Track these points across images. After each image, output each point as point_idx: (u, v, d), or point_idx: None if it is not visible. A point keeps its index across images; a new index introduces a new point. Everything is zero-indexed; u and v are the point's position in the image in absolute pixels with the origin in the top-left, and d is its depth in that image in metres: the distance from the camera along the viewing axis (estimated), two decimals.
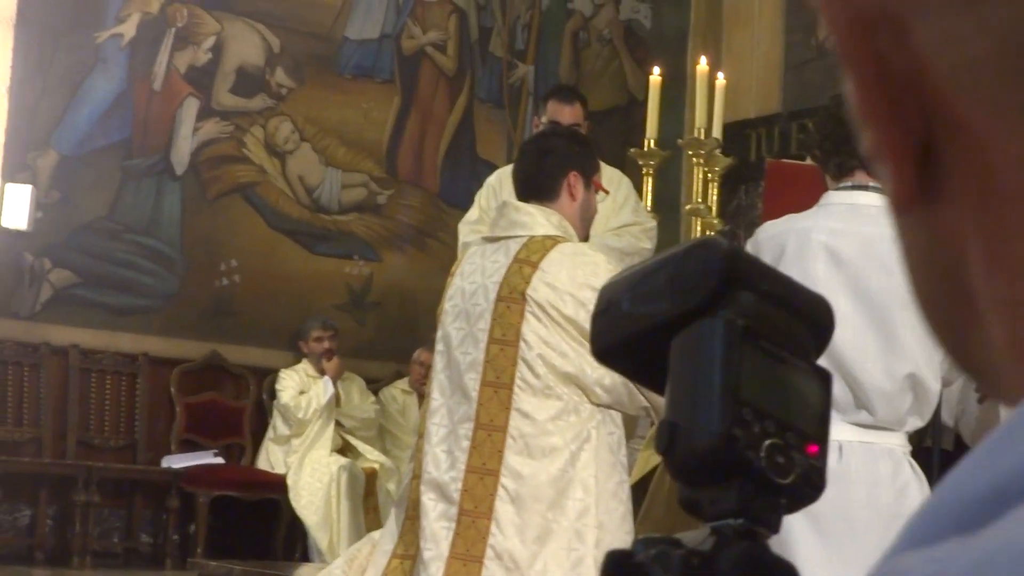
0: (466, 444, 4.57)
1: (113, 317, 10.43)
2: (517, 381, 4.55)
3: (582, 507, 4.53)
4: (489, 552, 4.47)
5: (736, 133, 10.53)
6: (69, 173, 10.29)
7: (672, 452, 0.80)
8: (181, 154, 10.70)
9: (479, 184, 11.59)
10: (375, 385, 11.09)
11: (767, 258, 4.05)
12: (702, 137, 7.52)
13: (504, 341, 4.58)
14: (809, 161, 4.74)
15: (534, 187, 4.84)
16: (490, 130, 11.92)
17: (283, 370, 10.57)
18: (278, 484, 10.18)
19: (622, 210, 6.75)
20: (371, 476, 10.24)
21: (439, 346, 4.81)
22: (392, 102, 11.56)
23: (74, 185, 10.30)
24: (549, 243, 4.66)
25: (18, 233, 9.97)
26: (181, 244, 10.68)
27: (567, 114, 6.86)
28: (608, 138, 11.05)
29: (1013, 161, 0.53)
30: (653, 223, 7.17)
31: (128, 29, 10.53)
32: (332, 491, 10.07)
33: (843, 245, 3.95)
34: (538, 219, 4.74)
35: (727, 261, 0.81)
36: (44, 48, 10.20)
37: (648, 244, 6.97)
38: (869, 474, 3.89)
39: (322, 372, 10.51)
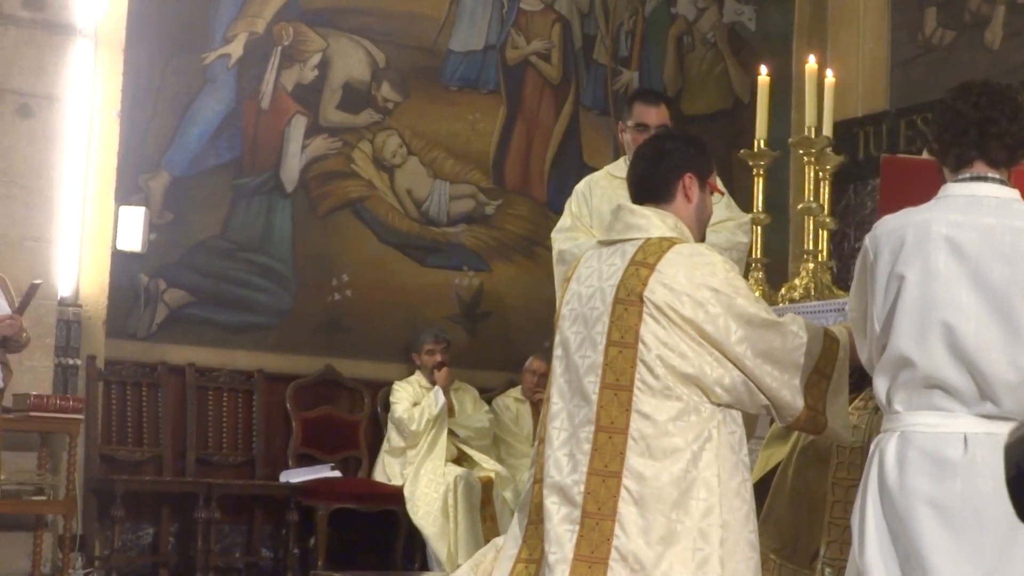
0: (587, 447, 4.57)
1: (228, 335, 10.53)
2: (636, 383, 4.54)
3: (706, 507, 4.51)
4: (614, 554, 4.46)
5: (843, 132, 10.44)
6: (181, 194, 10.41)
7: None
8: (290, 171, 10.80)
9: None
10: (488, 394, 11.12)
11: (886, 252, 4.03)
12: (812, 136, 7.47)
13: (623, 343, 4.58)
14: (925, 155, 4.72)
15: (649, 189, 4.84)
16: (596, 137, 11.92)
17: (396, 382, 10.63)
18: (395, 495, 10.23)
19: (715, 206, 6.74)
20: (487, 485, 10.26)
21: (557, 351, 4.82)
22: (498, 112, 11.61)
23: (186, 206, 10.42)
24: (666, 244, 4.65)
25: (133, 255, 10.10)
26: (293, 261, 10.77)
27: (654, 116, 6.78)
28: (714, 141, 10.99)
29: None
30: (747, 217, 7.13)
31: (235, 49, 10.65)
32: (449, 501, 10.10)
33: (963, 237, 3.92)
34: (654, 221, 4.73)
35: None
36: (153, 71, 10.33)
37: (744, 238, 6.93)
38: (995, 465, 3.85)
39: (435, 383, 10.55)
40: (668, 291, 4.56)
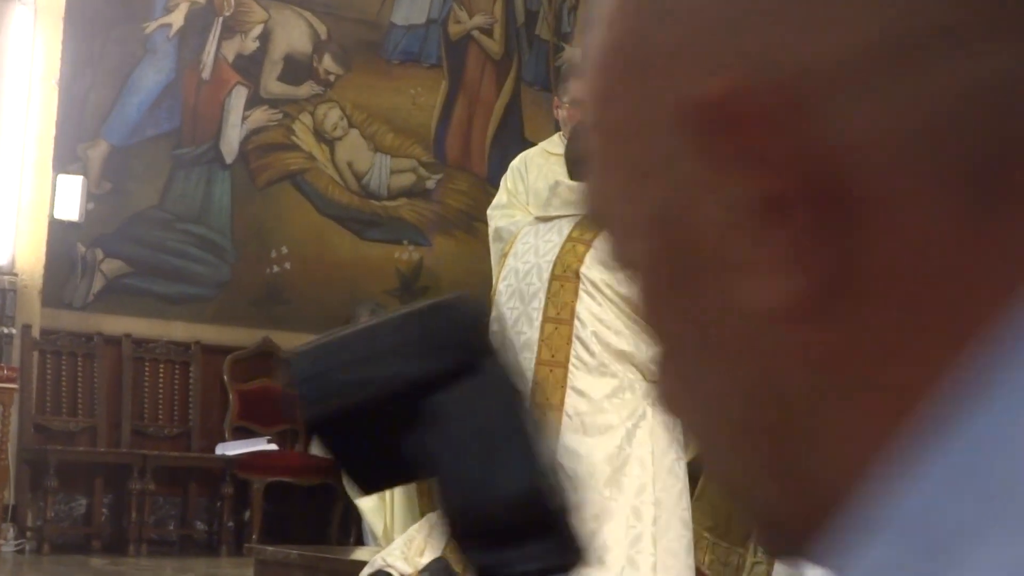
0: None
1: (165, 306, 10.49)
2: (572, 360, 4.54)
3: (639, 484, 4.52)
4: None
5: None
6: (120, 164, 10.35)
7: (472, 511, 0.77)
8: (230, 142, 10.75)
9: None
10: None
11: None
12: None
13: (558, 320, 4.58)
14: None
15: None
16: (537, 113, 11.91)
17: None
18: (332, 469, 10.18)
19: None
20: None
21: (493, 326, 4.80)
22: (439, 87, 11.59)
23: (125, 175, 10.36)
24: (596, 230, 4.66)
25: (70, 224, 10.04)
26: (232, 232, 10.73)
27: None
28: None
29: (935, 237, 0.52)
30: None
31: (176, 19, 10.58)
32: None
33: None
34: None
35: (479, 316, 0.81)
36: (93, 40, 10.26)
37: None
38: None
39: None
40: (604, 268, 4.57)
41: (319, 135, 11.11)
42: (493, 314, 4.81)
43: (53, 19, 9.95)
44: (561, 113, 6.75)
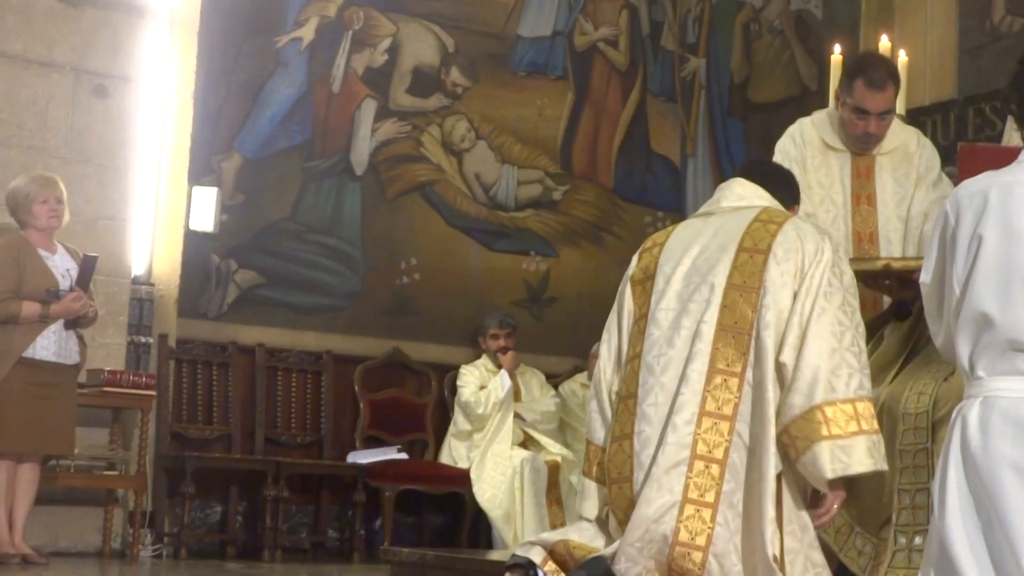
0: (699, 387, 4.59)
1: (297, 316, 10.59)
2: (756, 327, 4.62)
3: None
4: (724, 498, 4.50)
5: (911, 120, 10.40)
6: (252, 175, 10.48)
7: None
8: (360, 154, 10.85)
9: (654, 178, 11.73)
10: (554, 380, 11.13)
11: (968, 214, 3.95)
12: None
13: (744, 287, 4.65)
14: (1005, 141, 4.70)
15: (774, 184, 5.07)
16: (663, 124, 11.95)
17: (463, 366, 10.67)
18: (462, 478, 10.26)
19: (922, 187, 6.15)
20: (553, 469, 10.28)
21: (658, 282, 4.88)
22: (566, 98, 11.64)
23: (257, 187, 10.48)
24: (785, 215, 4.84)
25: (205, 235, 10.18)
26: (362, 243, 10.82)
27: (877, 102, 5.88)
28: (780, 129, 11.00)
29: None
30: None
31: (307, 33, 10.71)
32: (515, 484, 10.12)
33: None
34: (767, 198, 4.98)
35: None
36: (227, 55, 10.41)
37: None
38: None
39: (500, 367, 10.59)
40: (796, 251, 4.65)
41: (447, 147, 11.19)
42: (659, 286, 4.85)
43: (188, 33, 10.11)
44: (843, 112, 6.01)
